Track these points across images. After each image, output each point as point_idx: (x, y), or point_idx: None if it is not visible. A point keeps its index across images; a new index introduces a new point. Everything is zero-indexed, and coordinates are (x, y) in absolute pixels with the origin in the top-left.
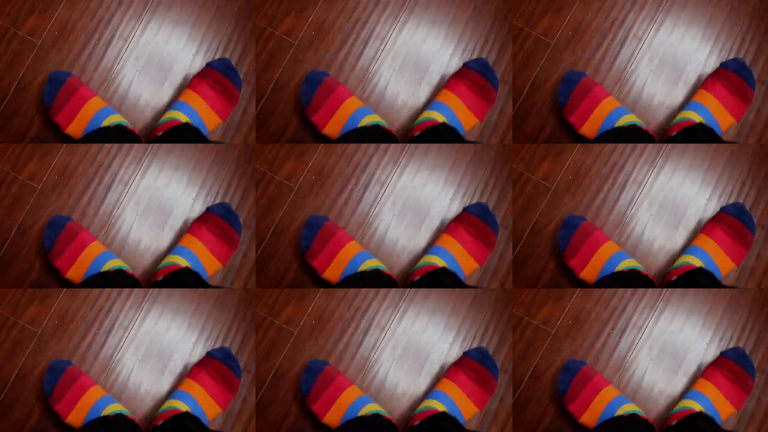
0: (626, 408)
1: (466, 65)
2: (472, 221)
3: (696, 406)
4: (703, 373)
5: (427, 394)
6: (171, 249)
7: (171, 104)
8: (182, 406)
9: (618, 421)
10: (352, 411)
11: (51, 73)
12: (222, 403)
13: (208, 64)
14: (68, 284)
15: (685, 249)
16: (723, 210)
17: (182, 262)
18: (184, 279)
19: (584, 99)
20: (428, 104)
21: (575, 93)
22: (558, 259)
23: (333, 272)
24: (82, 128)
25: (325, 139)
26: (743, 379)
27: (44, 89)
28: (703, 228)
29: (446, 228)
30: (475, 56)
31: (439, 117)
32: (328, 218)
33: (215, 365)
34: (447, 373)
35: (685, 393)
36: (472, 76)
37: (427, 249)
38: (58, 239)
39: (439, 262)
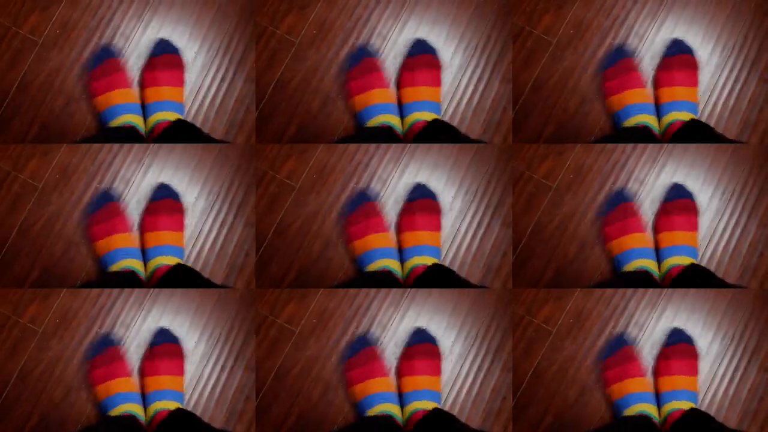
0: (644, 407)
1: (409, 55)
2: (417, 205)
3: (684, 405)
4: (661, 372)
5: (404, 398)
6: (146, 253)
7: (146, 109)
8: (169, 405)
9: (627, 422)
10: (371, 400)
11: (103, 47)
12: (180, 371)
13: (151, 56)
14: (71, 280)
15: (661, 253)
16: (665, 200)
17: (168, 260)
18: (179, 276)
19: (621, 76)
20: (403, 108)
21: (619, 64)
22: (559, 258)
23: (360, 246)
24: (105, 106)
25: (327, 138)
26: (690, 351)
27: (92, 55)
28: (660, 227)
29: (401, 227)
30: (476, 55)
31: (425, 116)
32: (378, 199)
33: (162, 349)
34: (402, 371)
35: (662, 396)
36: (420, 61)
37: (402, 253)
38: (101, 210)
39: (423, 260)
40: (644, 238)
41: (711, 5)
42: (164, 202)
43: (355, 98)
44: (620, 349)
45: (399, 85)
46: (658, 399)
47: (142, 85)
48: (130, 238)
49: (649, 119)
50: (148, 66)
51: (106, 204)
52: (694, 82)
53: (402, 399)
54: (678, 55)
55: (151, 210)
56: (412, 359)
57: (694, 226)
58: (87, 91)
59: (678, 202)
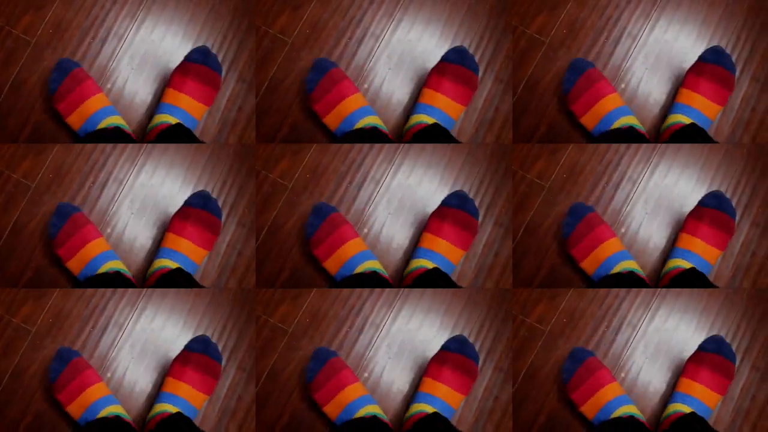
0: (626, 409)
1: (444, 59)
2: (453, 214)
3: (686, 409)
4: (686, 371)
5: (415, 397)
6: (159, 251)
7: (158, 107)
8: (171, 408)
9: (616, 423)
10: (351, 408)
11: (59, 60)
12: (207, 390)
13: (186, 59)
14: (64, 280)
15: (672, 252)
16: (701, 204)
17: (172, 264)
18: (175, 280)
19: (588, 90)
20: (415, 107)
21: (580, 82)
22: (552, 257)
23: (333, 264)
24: (82, 121)
25: (320, 138)
26: (726, 368)
27: (50, 75)
28: (686, 227)
29: (428, 226)
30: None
31: (429, 119)
32: (336, 209)
33: (197, 358)
34: (429, 371)
35: (673, 395)
36: (453, 70)
37: (415, 251)
38: (62, 230)
39: (428, 264)
40: (617, 243)
41: (704, 5)
42: (203, 214)
43: (332, 112)
44: (580, 365)
45: (424, 83)
46: (670, 397)
47: (167, 83)
48: (104, 243)
49: (630, 120)
50: (181, 68)
51: (69, 219)
52: (717, 99)
53: (414, 397)
54: (713, 65)
55: (184, 214)
56: (443, 365)
57: (720, 244)
58: (57, 112)
59: (715, 213)
